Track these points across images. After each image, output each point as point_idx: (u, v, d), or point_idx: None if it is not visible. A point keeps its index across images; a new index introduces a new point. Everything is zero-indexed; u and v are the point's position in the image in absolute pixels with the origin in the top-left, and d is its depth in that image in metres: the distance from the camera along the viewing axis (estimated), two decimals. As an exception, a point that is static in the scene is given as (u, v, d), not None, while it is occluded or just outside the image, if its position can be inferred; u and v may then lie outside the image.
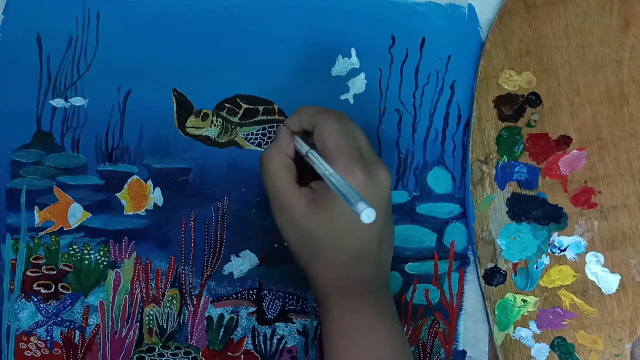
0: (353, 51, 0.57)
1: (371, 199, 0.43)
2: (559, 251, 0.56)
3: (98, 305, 0.54)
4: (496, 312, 0.55)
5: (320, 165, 0.45)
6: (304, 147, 0.47)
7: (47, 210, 0.55)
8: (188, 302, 0.55)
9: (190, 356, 0.55)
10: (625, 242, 0.55)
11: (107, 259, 0.55)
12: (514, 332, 0.55)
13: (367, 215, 0.38)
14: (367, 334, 0.47)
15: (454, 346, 0.56)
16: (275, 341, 0.55)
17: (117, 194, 0.55)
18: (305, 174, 0.48)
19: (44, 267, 0.54)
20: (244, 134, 0.56)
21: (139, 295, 0.55)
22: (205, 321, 0.55)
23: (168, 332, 0.55)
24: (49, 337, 0.54)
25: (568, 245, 0.56)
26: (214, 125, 0.56)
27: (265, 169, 0.48)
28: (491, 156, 0.56)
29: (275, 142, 0.49)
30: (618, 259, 0.55)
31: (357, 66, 0.57)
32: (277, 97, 0.56)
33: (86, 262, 0.55)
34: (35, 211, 0.54)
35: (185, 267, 0.55)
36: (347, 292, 0.47)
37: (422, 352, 0.56)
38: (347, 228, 0.46)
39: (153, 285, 0.55)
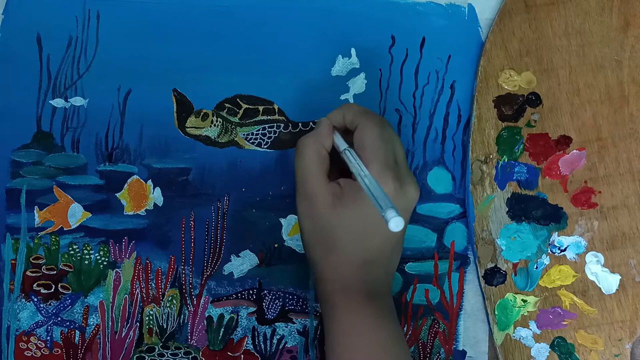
0: (353, 51, 0.57)
1: (398, 209, 0.44)
2: (559, 251, 0.56)
3: (98, 305, 0.54)
4: (496, 312, 0.55)
5: (355, 164, 0.45)
6: (342, 144, 0.48)
7: (47, 210, 0.55)
8: (188, 302, 0.55)
9: (190, 356, 0.55)
10: (625, 242, 0.55)
11: (107, 259, 0.55)
12: (514, 332, 0.55)
13: (396, 223, 0.38)
14: (369, 335, 0.47)
15: (454, 346, 0.56)
16: (275, 341, 0.55)
17: (117, 194, 0.55)
18: (335, 170, 0.49)
19: (44, 267, 0.54)
20: (244, 134, 0.56)
21: (139, 295, 0.55)
22: (205, 321, 0.55)
23: (168, 332, 0.55)
24: (49, 337, 0.54)
25: (568, 245, 0.56)
26: (214, 125, 0.56)
27: (299, 155, 0.48)
28: (491, 156, 0.56)
29: (315, 132, 0.49)
30: (618, 259, 0.55)
31: (357, 66, 0.57)
32: (277, 97, 0.56)
33: (86, 262, 0.55)
34: (35, 211, 0.54)
35: (185, 267, 0.55)
36: (351, 292, 0.47)
37: (422, 352, 0.56)
38: (368, 231, 0.46)
39: (153, 285, 0.55)
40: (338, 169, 0.49)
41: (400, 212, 0.45)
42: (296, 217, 0.55)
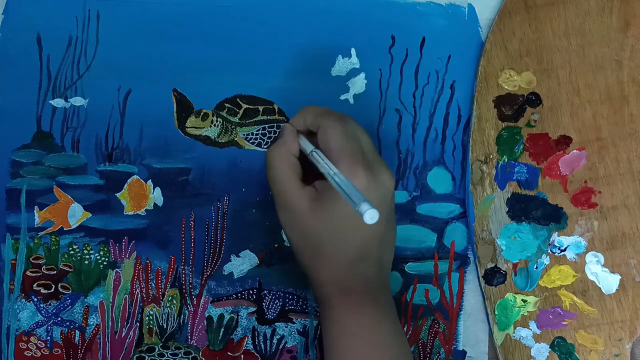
0: (353, 51, 0.57)
1: (374, 200, 0.43)
2: (559, 251, 0.56)
3: (98, 305, 0.54)
4: (496, 312, 0.55)
5: (324, 164, 0.45)
6: (308, 147, 0.48)
7: (47, 210, 0.55)
8: (188, 302, 0.55)
9: (190, 356, 0.55)
10: (625, 242, 0.55)
11: (107, 259, 0.55)
12: (514, 332, 0.55)
13: (370, 215, 0.38)
14: (369, 334, 0.47)
15: (454, 346, 0.56)
16: (275, 341, 0.55)
17: (117, 194, 0.55)
18: (309, 173, 0.48)
19: (44, 267, 0.54)
20: (244, 134, 0.56)
21: (139, 295, 0.55)
22: (205, 321, 0.55)
23: (168, 332, 0.55)
24: (49, 337, 0.54)
25: (568, 245, 0.56)
26: (214, 125, 0.56)
27: (269, 167, 0.48)
28: (491, 156, 0.56)
29: (280, 141, 0.49)
30: (618, 259, 0.55)
31: (357, 66, 0.57)
32: (277, 97, 0.56)
33: (86, 262, 0.55)
34: (35, 211, 0.54)
35: (185, 267, 0.55)
36: (348, 292, 0.47)
37: (422, 352, 0.56)
38: (350, 228, 0.46)
39: (153, 285, 0.55)
40: (313, 171, 0.48)
41: (378, 202, 0.45)
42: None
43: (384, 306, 0.48)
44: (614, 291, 0.55)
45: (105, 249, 0.55)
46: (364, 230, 0.46)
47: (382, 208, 0.46)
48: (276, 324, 0.55)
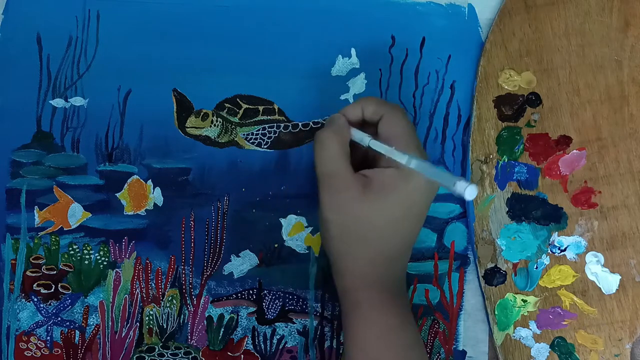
0: (353, 51, 0.57)
1: (431, 195, 0.44)
2: (559, 251, 0.56)
3: (98, 305, 0.54)
4: (496, 312, 0.55)
5: (394, 151, 0.45)
6: (365, 136, 0.47)
7: (47, 210, 0.55)
8: (188, 302, 0.55)
9: (190, 356, 0.55)
10: (625, 242, 0.55)
11: (107, 259, 0.55)
12: (514, 332, 0.55)
13: (471, 190, 0.38)
14: (396, 334, 0.46)
15: (454, 346, 0.56)
16: (275, 341, 0.55)
17: (117, 194, 0.55)
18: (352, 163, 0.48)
19: (44, 267, 0.54)
20: (244, 134, 0.56)
21: (139, 295, 0.55)
22: (205, 321, 0.55)
23: (168, 332, 0.55)
24: (49, 337, 0.54)
25: (568, 245, 0.56)
26: (214, 125, 0.56)
27: (322, 147, 0.47)
28: (491, 156, 0.56)
29: (333, 125, 0.48)
30: (618, 259, 0.55)
31: (357, 66, 0.57)
32: (277, 97, 0.56)
33: (86, 262, 0.55)
34: (35, 211, 0.54)
35: (185, 267, 0.55)
36: (379, 288, 0.47)
37: (422, 352, 0.56)
38: (397, 221, 0.46)
39: (153, 285, 0.55)
40: (355, 163, 0.48)
41: (433, 196, 0.46)
42: (296, 217, 0.55)
43: (407, 307, 0.48)
44: (614, 291, 0.55)
45: (105, 249, 0.55)
46: (405, 231, 0.47)
47: (431, 203, 0.47)
48: (276, 324, 0.55)
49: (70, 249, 0.55)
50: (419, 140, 0.48)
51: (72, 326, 0.54)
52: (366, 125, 0.49)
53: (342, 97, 0.57)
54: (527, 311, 0.55)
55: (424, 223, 0.49)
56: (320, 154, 0.47)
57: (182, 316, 0.55)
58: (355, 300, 0.47)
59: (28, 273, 0.54)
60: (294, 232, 0.55)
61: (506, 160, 0.56)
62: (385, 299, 0.47)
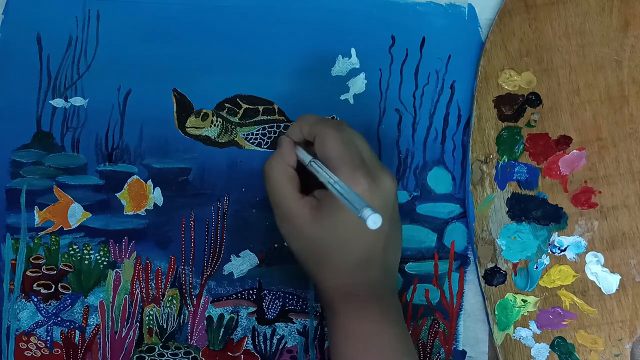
0: (353, 51, 0.57)
1: (376, 205, 0.43)
2: (559, 251, 0.56)
3: (98, 305, 0.54)
4: (496, 312, 0.55)
5: (323, 173, 0.45)
6: (306, 157, 0.48)
7: (47, 210, 0.55)
8: (188, 302, 0.55)
9: (190, 356, 0.55)
10: (625, 242, 0.55)
11: (107, 259, 0.55)
12: (514, 332, 0.55)
13: (374, 220, 0.38)
14: (373, 339, 0.47)
15: (454, 346, 0.56)
16: (275, 341, 0.55)
17: (117, 194, 0.55)
18: (310, 183, 0.48)
19: (44, 267, 0.54)
20: (244, 134, 0.56)
21: (139, 295, 0.55)
22: (205, 321, 0.55)
23: (168, 332, 0.55)
24: (49, 337, 0.54)
25: (568, 245, 0.56)
26: (214, 125, 0.56)
27: (268, 179, 0.48)
28: (491, 156, 0.56)
29: (277, 152, 0.49)
30: (618, 259, 0.55)
31: (357, 66, 0.57)
32: (277, 97, 0.56)
33: (86, 262, 0.55)
34: (35, 211, 0.54)
35: (185, 267, 0.55)
36: (352, 297, 0.47)
37: (422, 352, 0.56)
38: (352, 235, 0.46)
39: (153, 285, 0.55)
40: (312, 181, 0.48)
41: (380, 206, 0.45)
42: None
43: (389, 310, 0.48)
44: (614, 291, 0.55)
45: (105, 249, 0.55)
46: (367, 236, 0.47)
47: (385, 212, 0.46)
48: (276, 324, 0.55)
49: (70, 249, 0.55)
50: (358, 157, 0.46)
51: (72, 326, 0.54)
52: (311, 144, 0.49)
53: (342, 97, 0.57)
54: (527, 311, 0.55)
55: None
56: (267, 185, 0.48)
57: (182, 316, 0.55)
58: (334, 312, 0.48)
59: (28, 273, 0.54)
60: (294, 232, 0.55)
61: (506, 160, 0.56)
62: (361, 307, 0.47)
